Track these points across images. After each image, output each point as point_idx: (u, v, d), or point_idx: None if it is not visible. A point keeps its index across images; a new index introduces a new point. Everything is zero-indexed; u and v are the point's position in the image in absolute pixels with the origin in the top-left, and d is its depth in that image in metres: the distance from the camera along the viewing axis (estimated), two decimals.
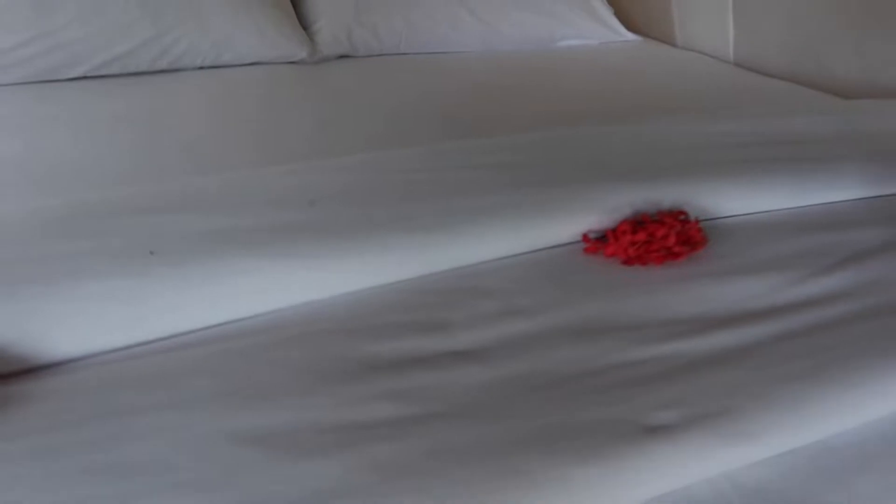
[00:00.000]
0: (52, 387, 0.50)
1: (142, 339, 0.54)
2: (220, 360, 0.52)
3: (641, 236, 0.62)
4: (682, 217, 0.65)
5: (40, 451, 0.43)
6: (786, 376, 0.49)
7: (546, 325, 0.54)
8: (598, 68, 1.46)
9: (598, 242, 0.65)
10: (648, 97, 1.24)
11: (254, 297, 0.57)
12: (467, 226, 0.63)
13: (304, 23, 1.48)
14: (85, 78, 1.25)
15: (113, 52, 1.26)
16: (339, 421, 0.45)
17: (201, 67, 1.34)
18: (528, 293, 0.58)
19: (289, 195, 0.67)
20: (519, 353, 0.51)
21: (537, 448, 0.43)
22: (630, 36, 1.72)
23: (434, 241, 0.62)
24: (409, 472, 0.42)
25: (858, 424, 0.49)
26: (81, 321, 0.53)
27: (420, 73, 1.38)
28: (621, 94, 1.26)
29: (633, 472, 0.43)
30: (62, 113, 1.11)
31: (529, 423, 0.45)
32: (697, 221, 0.66)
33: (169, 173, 0.87)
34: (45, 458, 0.43)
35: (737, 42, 1.65)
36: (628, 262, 0.62)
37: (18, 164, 0.91)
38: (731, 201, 0.72)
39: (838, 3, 1.38)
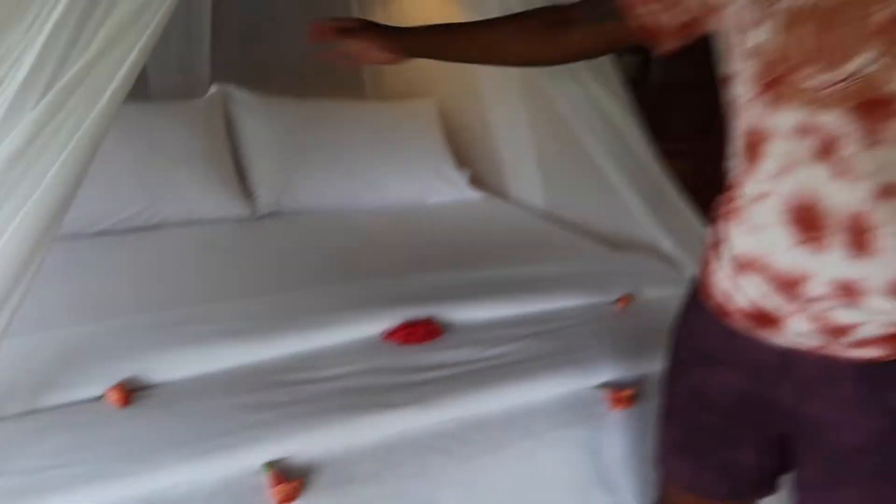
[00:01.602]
0: None
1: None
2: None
3: (410, 330, 1.31)
4: (431, 321, 1.35)
5: None
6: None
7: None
8: (444, 223, 2.19)
9: (388, 334, 1.33)
10: (466, 245, 1.97)
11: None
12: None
13: (247, 191, 2.20)
14: (100, 234, 1.90)
15: (119, 216, 1.93)
16: None
17: (177, 224, 2.01)
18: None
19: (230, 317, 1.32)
20: None
21: None
22: (476, 194, 2.48)
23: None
24: None
25: None
26: None
27: (325, 227, 2.08)
28: (451, 244, 1.98)
29: None
30: (88, 259, 1.75)
31: None
32: (435, 323, 1.35)
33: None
34: None
35: (545, 198, 2.42)
36: (404, 341, 1.31)
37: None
38: (467, 314, 1.42)
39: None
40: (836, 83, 0.71)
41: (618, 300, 1.56)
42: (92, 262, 1.70)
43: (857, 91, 0.70)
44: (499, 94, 2.37)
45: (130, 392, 1.09)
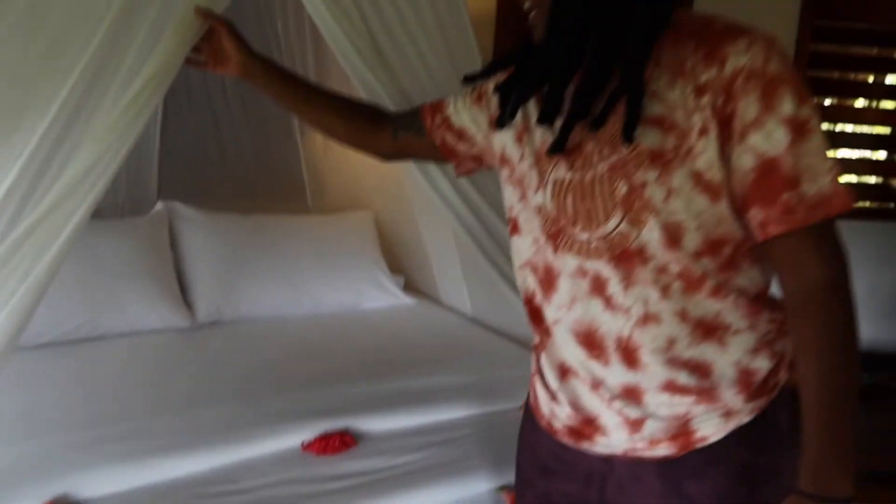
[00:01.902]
0: None
1: None
2: None
3: (326, 441, 1.43)
4: (346, 432, 1.48)
5: None
6: None
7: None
8: (376, 329, 2.34)
9: (306, 446, 1.45)
10: (393, 351, 2.11)
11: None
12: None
13: (187, 301, 2.32)
14: (42, 346, 1.99)
15: (62, 328, 2.03)
16: None
17: (118, 336, 2.12)
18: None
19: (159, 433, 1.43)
20: None
21: None
22: (408, 300, 2.65)
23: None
24: None
25: None
26: None
27: (262, 336, 2.20)
28: (379, 351, 2.12)
29: None
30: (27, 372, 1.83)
31: None
32: (349, 435, 1.48)
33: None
34: None
35: (471, 303, 2.60)
36: (320, 452, 1.43)
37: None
38: (380, 424, 1.56)
39: None
40: (598, 238, 0.89)
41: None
42: (33, 376, 1.78)
43: (613, 245, 0.88)
44: (428, 206, 2.58)
45: None
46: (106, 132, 1.20)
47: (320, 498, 1.30)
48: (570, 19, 0.87)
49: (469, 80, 1.10)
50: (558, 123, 0.91)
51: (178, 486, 1.29)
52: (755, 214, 0.83)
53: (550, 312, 0.97)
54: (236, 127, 2.77)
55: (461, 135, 1.16)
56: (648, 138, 0.84)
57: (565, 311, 0.95)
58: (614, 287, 0.89)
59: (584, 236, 0.90)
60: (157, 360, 1.98)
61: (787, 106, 0.80)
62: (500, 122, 1.00)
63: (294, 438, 1.46)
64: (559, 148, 0.90)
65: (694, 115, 0.82)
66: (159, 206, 2.45)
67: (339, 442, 1.44)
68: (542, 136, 0.96)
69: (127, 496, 1.25)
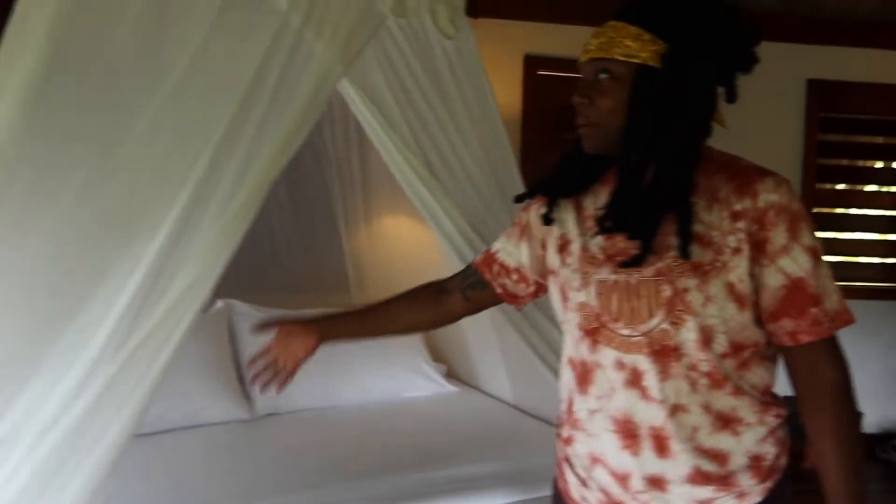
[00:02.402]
0: None
1: None
2: None
3: None
4: None
5: None
6: None
7: None
8: (420, 417, 2.46)
9: None
10: (440, 439, 2.22)
11: None
12: None
13: (245, 394, 2.47)
14: None
15: None
16: None
17: (184, 428, 2.26)
18: None
19: None
20: None
21: None
22: (450, 388, 2.78)
23: None
24: None
25: None
26: None
27: (317, 426, 2.34)
28: (427, 439, 2.22)
29: None
30: None
31: None
32: None
33: None
34: None
35: (513, 391, 2.72)
36: None
37: None
38: None
39: None
40: (638, 335, 1.01)
41: None
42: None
43: (653, 341, 1.00)
44: None
45: None
46: (205, 251, 1.39)
47: None
48: (637, 146, 1.02)
49: (520, 198, 1.25)
50: (598, 240, 1.07)
51: None
52: (785, 324, 1.00)
53: (587, 404, 1.08)
54: (286, 225, 2.99)
55: (518, 273, 1.26)
56: (692, 252, 0.99)
57: (605, 401, 1.05)
58: (650, 380, 1.01)
59: (626, 332, 1.02)
60: (225, 450, 2.12)
61: (807, 237, 0.99)
62: (547, 220, 1.14)
63: None
64: (639, 261, 1.00)
65: (729, 235, 0.99)
66: (219, 303, 2.64)
67: None
68: (582, 244, 1.10)
69: None
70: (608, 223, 1.04)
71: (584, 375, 1.08)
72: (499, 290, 1.29)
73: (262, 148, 1.49)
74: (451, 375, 2.88)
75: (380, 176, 2.96)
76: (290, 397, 2.45)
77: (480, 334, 2.68)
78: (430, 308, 1.34)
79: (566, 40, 3.47)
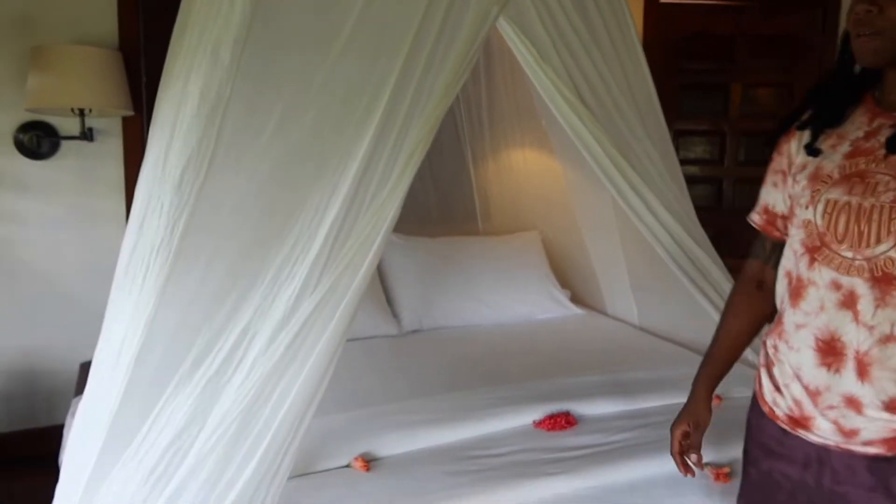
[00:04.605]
0: None
1: None
2: None
3: (554, 421, 1.73)
4: (569, 414, 1.77)
5: None
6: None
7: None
8: (554, 336, 2.64)
9: (537, 423, 1.76)
10: (578, 355, 2.39)
11: None
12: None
13: (393, 312, 2.72)
14: None
15: None
16: None
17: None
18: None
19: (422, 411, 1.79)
20: None
21: None
22: (578, 311, 2.93)
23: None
24: None
25: None
26: None
27: (458, 342, 2.56)
28: (566, 354, 2.41)
29: None
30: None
31: None
32: (572, 416, 1.77)
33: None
34: None
35: (639, 314, 2.84)
36: (550, 429, 1.73)
37: None
38: (594, 409, 1.84)
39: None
40: (861, 259, 0.99)
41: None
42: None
43: (875, 267, 0.98)
44: (594, 226, 2.87)
45: (368, 462, 1.56)
46: (393, 180, 1.57)
47: (557, 463, 1.60)
48: None
49: (770, 140, 1.20)
50: (835, 157, 1.05)
51: (447, 450, 1.64)
52: None
53: (795, 318, 1.08)
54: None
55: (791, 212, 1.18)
56: None
57: (813, 317, 1.05)
58: (865, 304, 0.99)
59: (849, 254, 1.00)
60: (381, 360, 2.38)
61: None
62: (813, 151, 1.09)
63: (526, 418, 1.78)
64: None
65: None
66: None
67: (565, 421, 1.74)
68: (816, 161, 1.08)
69: (413, 455, 1.61)
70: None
71: (798, 290, 1.08)
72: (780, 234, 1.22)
73: (432, 88, 1.63)
74: (575, 300, 3.03)
75: (506, 112, 3.09)
76: (432, 317, 2.69)
77: (609, 262, 2.81)
78: (760, 306, 1.26)
79: None
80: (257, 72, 1.61)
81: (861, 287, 0.99)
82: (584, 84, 1.88)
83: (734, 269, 2.65)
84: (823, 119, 1.10)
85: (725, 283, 2.13)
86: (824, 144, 1.09)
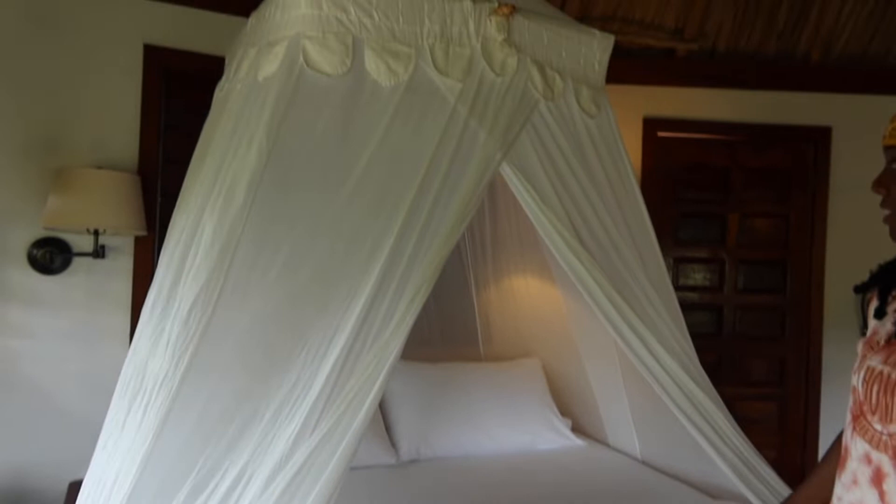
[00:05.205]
0: None
1: None
2: None
3: None
4: None
5: None
6: None
7: None
8: (552, 469, 2.58)
9: None
10: (573, 491, 2.31)
11: None
12: None
13: (392, 441, 2.67)
14: None
15: None
16: None
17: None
18: None
19: None
20: None
21: None
22: (579, 442, 2.88)
23: None
24: None
25: None
26: None
27: (456, 473, 2.50)
28: (561, 489, 2.34)
29: None
30: None
31: None
32: None
33: None
34: None
35: (640, 447, 2.79)
36: None
37: None
38: None
39: None
40: (887, 435, 0.93)
41: None
42: None
43: None
44: (595, 355, 2.86)
45: None
46: (396, 319, 1.60)
47: None
48: None
49: (860, 288, 1.15)
50: (888, 324, 1.00)
51: None
52: None
53: (837, 489, 1.04)
54: None
55: None
56: None
57: (846, 491, 1.00)
58: (891, 484, 0.92)
59: (878, 427, 0.95)
60: (376, 491, 2.32)
61: None
62: (879, 313, 1.05)
63: None
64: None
65: None
66: None
67: None
68: (875, 327, 1.04)
69: None
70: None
71: (843, 460, 1.04)
72: None
73: (436, 231, 1.69)
74: (575, 430, 2.98)
75: (509, 240, 3.17)
76: (432, 446, 2.65)
77: (609, 392, 2.79)
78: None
79: (683, 103, 3.62)
80: (269, 210, 1.68)
81: (887, 465, 0.93)
82: (583, 227, 1.94)
83: (734, 397, 2.63)
84: (887, 283, 1.06)
85: (724, 423, 2.10)
86: (890, 308, 1.05)
